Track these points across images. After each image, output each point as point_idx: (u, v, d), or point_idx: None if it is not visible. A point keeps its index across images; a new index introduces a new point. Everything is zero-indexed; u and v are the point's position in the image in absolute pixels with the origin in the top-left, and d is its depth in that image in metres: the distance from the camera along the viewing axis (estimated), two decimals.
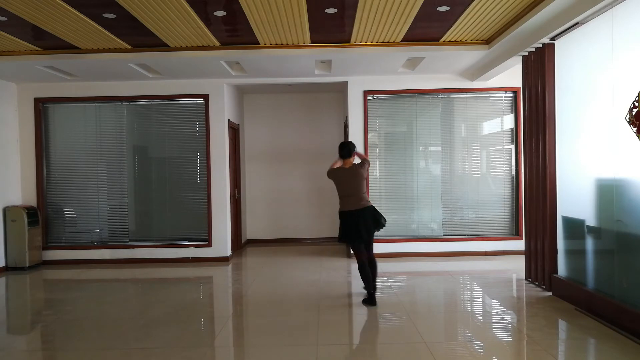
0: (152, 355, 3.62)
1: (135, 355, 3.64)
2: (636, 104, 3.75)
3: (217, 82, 7.33)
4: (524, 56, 5.62)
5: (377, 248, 7.31)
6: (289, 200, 8.96)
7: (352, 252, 4.96)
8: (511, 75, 6.89)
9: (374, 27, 5.26)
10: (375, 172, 7.52)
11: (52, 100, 7.42)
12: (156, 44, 5.77)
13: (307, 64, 6.46)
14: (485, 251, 7.30)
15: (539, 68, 5.25)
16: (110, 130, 7.51)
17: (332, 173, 5.01)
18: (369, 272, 4.81)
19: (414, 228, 7.52)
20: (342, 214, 4.91)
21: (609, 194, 4.25)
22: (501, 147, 7.46)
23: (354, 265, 6.79)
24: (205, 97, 7.36)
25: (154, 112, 7.57)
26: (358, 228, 4.73)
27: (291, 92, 8.83)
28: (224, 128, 7.39)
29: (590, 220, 4.56)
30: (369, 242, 4.89)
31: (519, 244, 7.07)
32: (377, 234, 7.54)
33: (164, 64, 6.33)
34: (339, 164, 5.05)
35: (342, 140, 8.76)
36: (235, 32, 5.41)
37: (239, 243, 8.38)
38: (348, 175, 4.92)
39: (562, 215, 5.01)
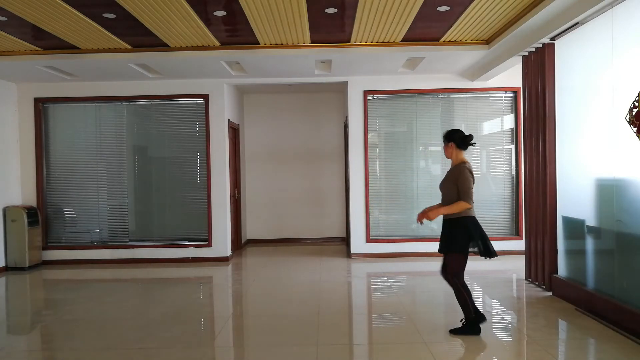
0: (152, 355, 3.62)
1: (135, 355, 3.64)
2: (636, 104, 3.75)
3: (217, 82, 7.32)
4: (524, 56, 5.61)
5: (377, 248, 7.38)
6: (289, 200, 8.95)
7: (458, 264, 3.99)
8: (511, 75, 6.87)
9: (374, 27, 5.25)
10: (375, 172, 7.52)
11: (52, 100, 7.41)
12: (156, 44, 5.77)
13: (307, 64, 6.46)
14: None
15: (539, 68, 5.25)
16: (110, 130, 7.50)
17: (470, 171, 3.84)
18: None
19: (414, 228, 7.51)
20: (471, 220, 3.94)
21: (609, 194, 4.24)
22: (501, 147, 7.45)
23: (354, 266, 6.80)
24: (205, 97, 7.36)
25: (154, 112, 7.56)
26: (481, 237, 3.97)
27: (291, 92, 8.83)
28: (224, 128, 7.39)
29: (590, 220, 4.56)
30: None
31: (519, 244, 7.04)
32: (378, 234, 7.66)
33: (164, 64, 6.33)
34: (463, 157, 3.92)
35: (342, 139, 8.76)
36: (235, 32, 5.41)
37: (239, 243, 8.37)
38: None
39: (562, 215, 5.01)
